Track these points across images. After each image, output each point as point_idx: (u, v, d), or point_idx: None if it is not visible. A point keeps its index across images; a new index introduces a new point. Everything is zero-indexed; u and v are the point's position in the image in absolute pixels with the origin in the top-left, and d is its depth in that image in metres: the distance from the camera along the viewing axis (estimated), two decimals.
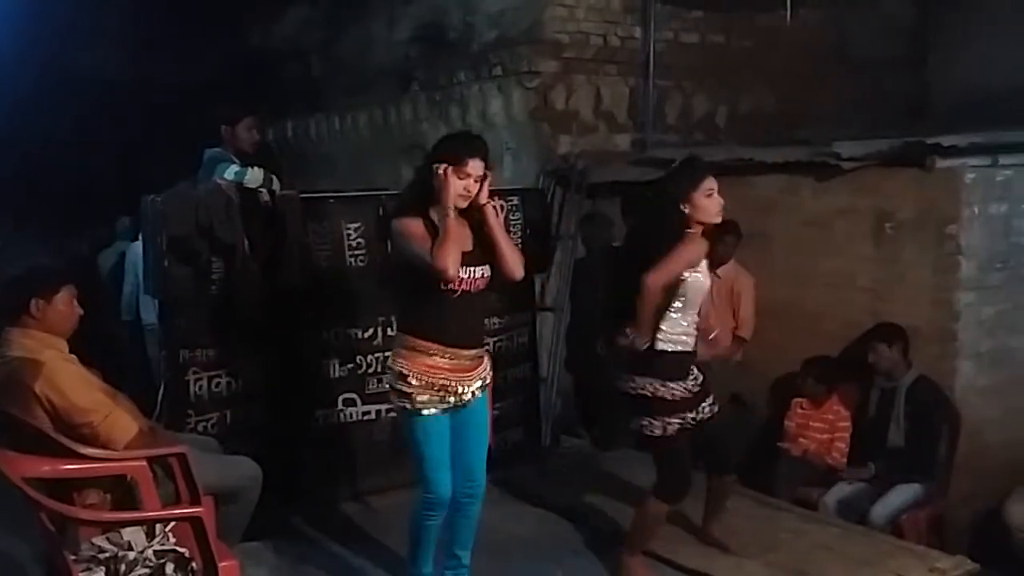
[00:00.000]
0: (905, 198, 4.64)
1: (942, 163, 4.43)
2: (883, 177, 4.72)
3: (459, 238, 3.09)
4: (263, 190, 4.41)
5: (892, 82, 7.07)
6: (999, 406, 4.61)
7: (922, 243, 4.58)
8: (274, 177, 4.50)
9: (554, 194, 5.95)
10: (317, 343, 4.57)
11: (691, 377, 3.55)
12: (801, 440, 4.85)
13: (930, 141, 4.39)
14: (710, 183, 3.48)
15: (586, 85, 6.22)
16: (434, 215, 3.12)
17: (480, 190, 3.14)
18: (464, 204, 3.13)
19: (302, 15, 8.32)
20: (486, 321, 3.37)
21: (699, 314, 3.57)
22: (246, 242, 4.28)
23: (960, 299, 4.47)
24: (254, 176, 4.42)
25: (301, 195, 4.54)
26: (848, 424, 4.74)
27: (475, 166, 3.11)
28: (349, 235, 4.64)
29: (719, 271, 4.89)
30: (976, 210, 4.47)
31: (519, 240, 4.97)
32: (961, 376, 4.50)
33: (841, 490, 4.51)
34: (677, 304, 3.47)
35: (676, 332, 3.48)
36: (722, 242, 5.08)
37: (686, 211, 3.46)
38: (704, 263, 3.53)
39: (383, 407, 4.70)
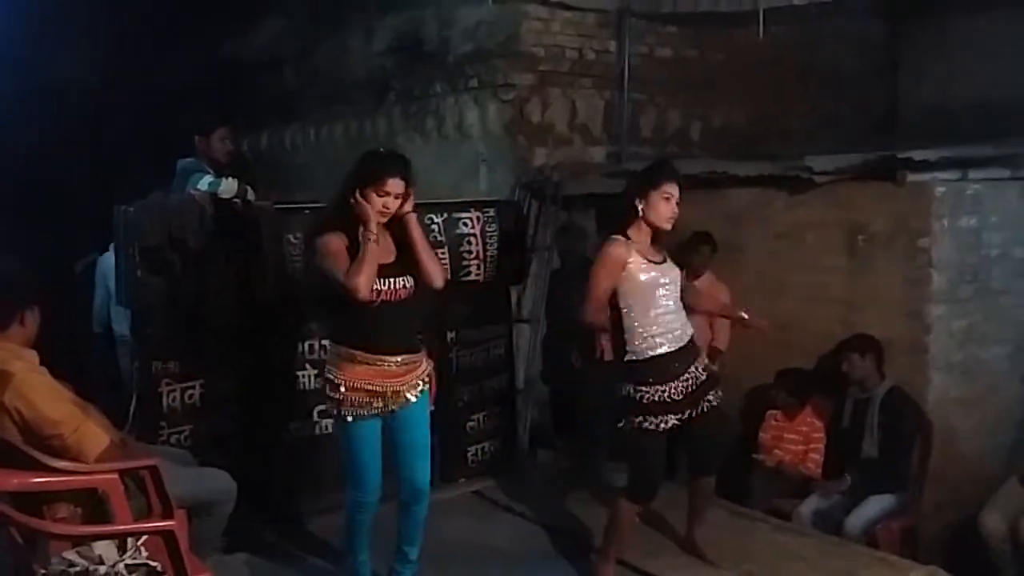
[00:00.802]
0: (877, 211, 4.70)
1: (913, 177, 4.50)
2: (855, 191, 4.77)
3: (376, 256, 3.21)
4: (237, 201, 4.39)
5: (861, 96, 7.19)
6: (971, 416, 4.67)
7: (894, 256, 4.64)
8: (248, 188, 4.48)
9: (530, 206, 5.96)
10: (292, 354, 4.53)
11: (683, 377, 3.48)
12: (776, 451, 4.88)
13: (901, 155, 4.45)
14: (670, 187, 3.49)
15: (561, 98, 6.25)
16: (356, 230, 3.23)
17: (401, 205, 3.28)
18: (384, 219, 3.27)
19: (278, 25, 8.30)
20: (418, 327, 3.45)
21: (671, 304, 3.50)
22: (220, 253, 4.25)
23: (932, 311, 4.53)
24: (228, 187, 4.40)
25: (276, 206, 4.52)
26: (822, 435, 4.78)
27: (394, 184, 3.25)
28: None
29: (696, 283, 4.92)
30: (947, 223, 4.54)
31: (495, 252, 4.98)
32: (933, 387, 4.56)
33: (816, 501, 4.55)
34: (628, 310, 3.46)
35: (642, 339, 3.47)
36: (697, 253, 5.13)
37: (639, 207, 3.48)
38: (645, 254, 3.49)
39: None
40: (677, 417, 3.50)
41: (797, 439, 4.84)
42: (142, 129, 8.12)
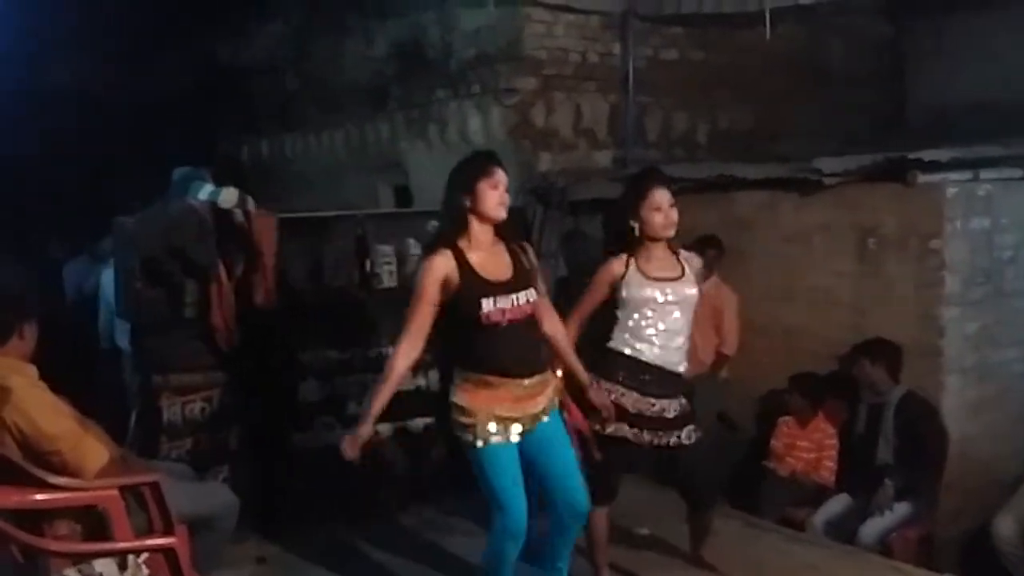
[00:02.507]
0: (887, 213, 4.68)
1: (924, 178, 4.47)
2: (864, 193, 4.75)
3: (489, 265, 3.06)
4: (237, 210, 4.37)
5: (869, 97, 7.16)
6: (985, 421, 4.63)
7: (905, 259, 4.61)
8: (249, 197, 4.47)
9: (535, 212, 5.95)
10: (293, 366, 4.52)
11: (651, 400, 3.42)
12: (788, 459, 4.85)
13: (911, 156, 4.43)
14: (659, 196, 3.42)
15: (566, 102, 6.24)
16: (463, 245, 3.07)
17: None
18: (504, 214, 3.08)
19: (276, 31, 8.30)
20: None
21: (665, 325, 3.44)
22: (220, 264, 4.25)
23: (945, 314, 4.50)
24: (228, 196, 4.39)
25: (277, 215, 4.51)
26: (835, 442, 4.75)
27: (500, 174, 3.10)
28: (327, 256, 4.62)
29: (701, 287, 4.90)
30: (958, 225, 4.51)
31: None
32: (948, 392, 4.52)
33: (829, 509, 4.51)
34: (622, 307, 3.43)
35: (627, 334, 3.43)
36: (704, 256, 5.10)
37: (634, 225, 3.44)
38: (649, 269, 3.44)
39: None
40: (633, 433, 3.42)
41: (810, 446, 4.80)
42: (140, 135, 8.11)
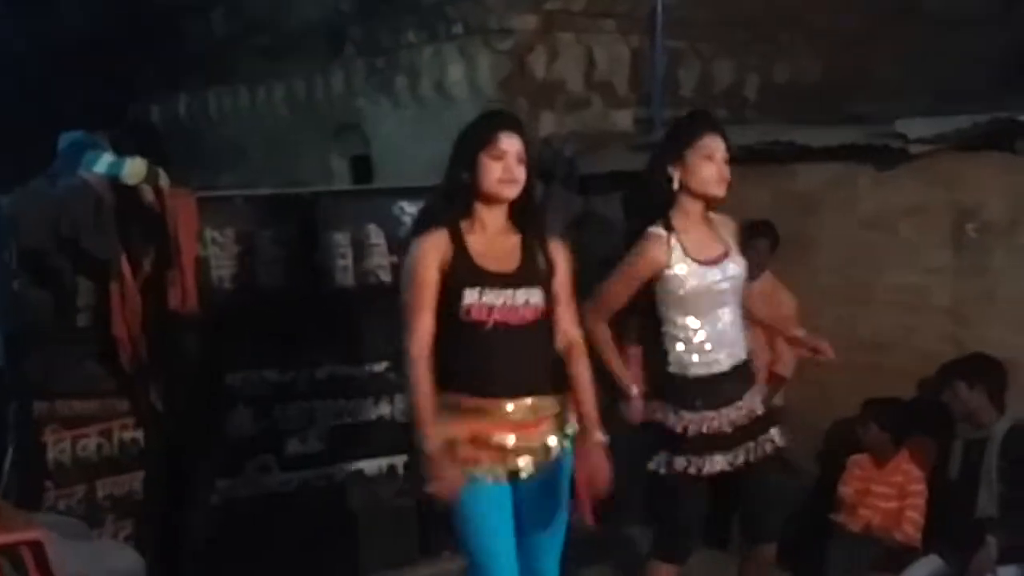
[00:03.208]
0: (992, 192, 4.70)
1: None
2: (963, 165, 4.76)
3: (491, 252, 3.13)
4: (146, 187, 4.39)
5: (973, 43, 7.18)
6: None
7: (1015, 249, 4.63)
8: (160, 170, 4.48)
9: (535, 189, 5.97)
10: (219, 390, 4.54)
11: (737, 404, 3.54)
12: (861, 510, 4.86)
13: (1022, 118, 4.45)
14: (711, 141, 3.49)
15: (575, 46, 6.26)
16: (464, 226, 3.15)
17: (527, 180, 3.18)
18: (512, 193, 3.15)
19: None
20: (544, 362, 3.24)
21: (727, 311, 3.55)
22: (123, 257, 4.26)
23: None
24: (134, 169, 4.40)
25: (197, 193, 4.53)
26: (922, 488, 4.76)
27: (509, 141, 3.14)
28: (262, 246, 4.65)
29: (751, 287, 4.92)
30: None
31: None
32: None
33: (916, 575, 4.53)
34: (667, 317, 3.50)
35: (687, 350, 3.52)
36: (753, 249, 5.11)
37: (675, 177, 3.48)
38: (695, 250, 3.51)
39: (309, 474, 4.69)
40: (726, 458, 3.52)
41: (890, 493, 4.82)
42: (17, 90, 8.11)
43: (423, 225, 3.23)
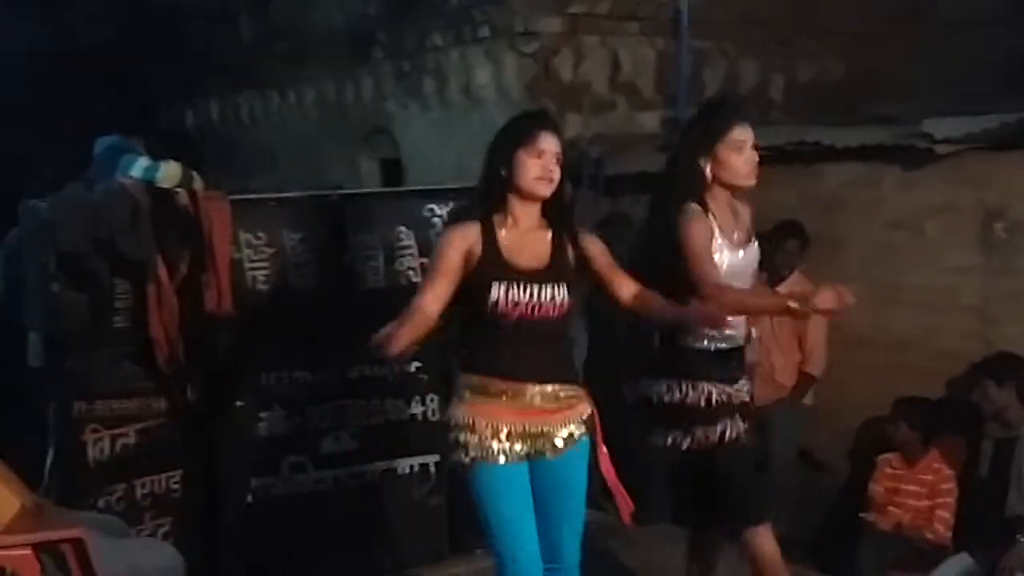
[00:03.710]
0: (1020, 191, 4.67)
1: None
2: (990, 164, 4.74)
3: (522, 248, 3.20)
4: (181, 190, 4.41)
5: (992, 44, 7.13)
6: None
7: None
8: (195, 174, 4.51)
9: (567, 189, 5.97)
10: (253, 390, 4.55)
11: (731, 384, 3.59)
12: (891, 509, 4.84)
13: None
14: (742, 132, 3.52)
15: (600, 49, 6.26)
16: (497, 220, 3.22)
17: (561, 181, 3.24)
18: (547, 191, 3.21)
19: None
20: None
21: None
22: (159, 259, 4.28)
23: None
24: (169, 172, 4.43)
25: (231, 196, 4.55)
26: (953, 487, 4.74)
27: (548, 141, 3.20)
28: (294, 248, 4.65)
29: (779, 287, 4.91)
30: None
31: None
32: None
33: (944, 574, 4.50)
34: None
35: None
36: (782, 250, 5.11)
37: (705, 169, 3.50)
38: (728, 232, 3.55)
39: (342, 473, 4.70)
40: (717, 429, 3.56)
41: (920, 492, 4.80)
42: (53, 96, 8.16)
43: (458, 219, 3.33)
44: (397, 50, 7.02)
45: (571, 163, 5.88)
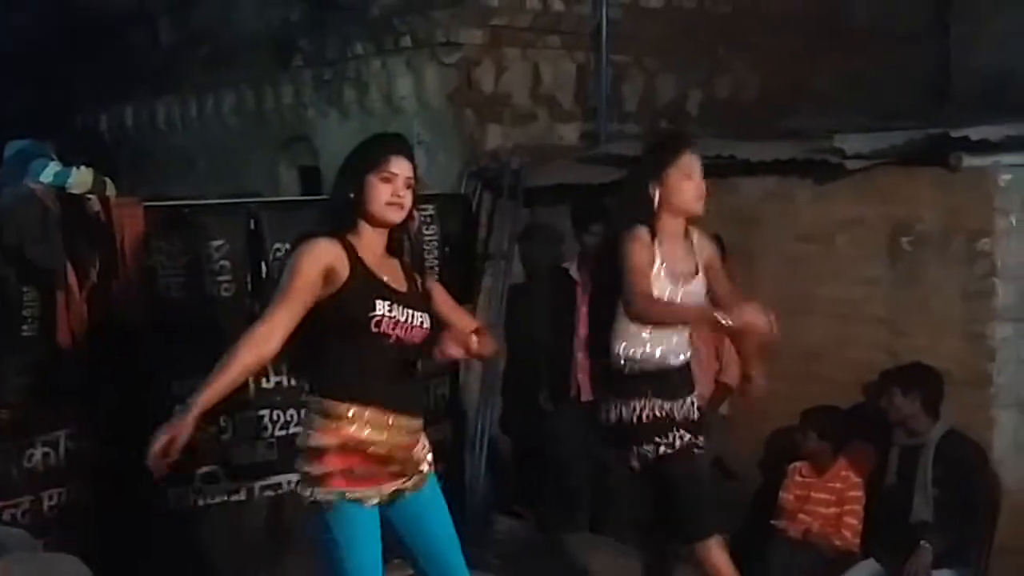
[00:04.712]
0: (926, 206, 4.76)
1: (970, 161, 4.55)
2: (898, 179, 4.83)
3: (382, 271, 3.10)
4: (93, 197, 4.35)
5: (906, 60, 7.29)
6: None
7: (948, 262, 4.69)
8: (107, 180, 4.46)
9: (481, 201, 5.98)
10: (166, 399, 4.46)
11: (670, 400, 3.64)
12: (801, 516, 4.90)
13: (956, 134, 4.50)
14: (691, 161, 3.62)
15: (521, 61, 6.27)
16: (352, 239, 3.09)
17: (412, 206, 3.15)
18: (398, 216, 3.11)
19: None
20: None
21: (680, 332, 3.68)
22: (69, 266, 4.22)
23: (996, 332, 4.58)
24: (81, 178, 4.39)
25: (145, 204, 4.49)
26: (860, 494, 4.81)
27: (400, 165, 3.10)
28: (210, 256, 4.60)
29: None
30: (1014, 220, 4.59)
31: (435, 261, 4.96)
32: (1000, 430, 4.60)
33: None
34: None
35: (642, 344, 3.60)
36: None
37: (655, 194, 3.56)
38: (675, 263, 3.62)
39: (257, 484, 4.64)
40: (664, 444, 3.61)
41: (829, 499, 4.86)
42: None
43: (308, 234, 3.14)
44: (318, 58, 6.97)
45: (491, 174, 5.97)
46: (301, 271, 2.96)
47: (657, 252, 3.58)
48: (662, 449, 3.63)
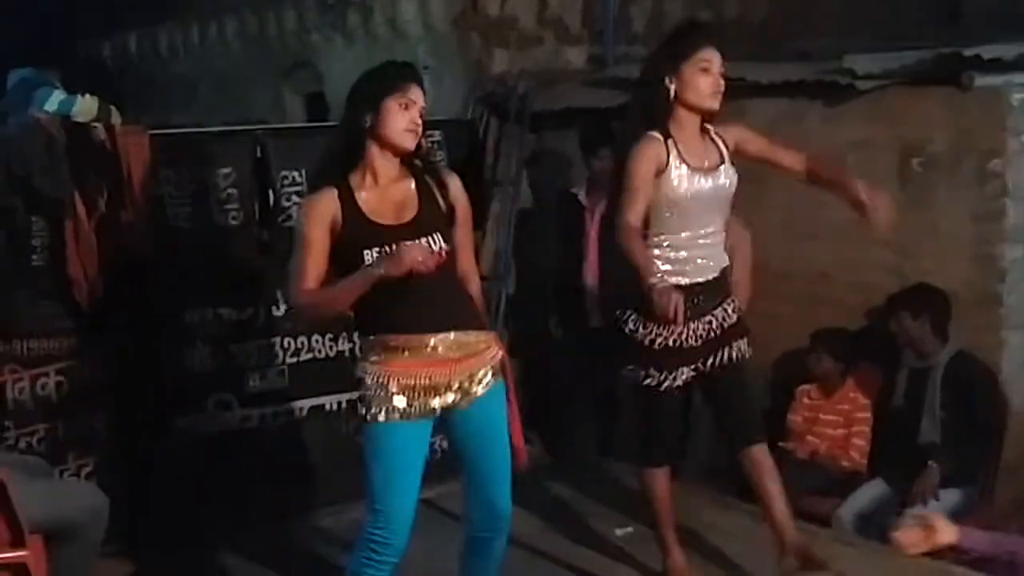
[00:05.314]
0: (937, 127, 4.72)
1: (982, 81, 4.51)
2: (909, 100, 4.78)
3: (385, 206, 3.11)
4: (98, 125, 4.33)
5: None
6: None
7: (958, 184, 4.67)
8: (112, 108, 4.45)
9: (488, 127, 5.92)
10: (177, 328, 4.51)
11: (706, 318, 3.61)
12: (809, 438, 4.95)
13: (967, 53, 4.46)
14: (708, 53, 3.51)
15: None
16: (355, 180, 3.10)
17: (423, 134, 3.15)
18: (413, 143, 3.11)
19: None
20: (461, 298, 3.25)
21: (714, 226, 3.61)
22: (76, 196, 4.21)
23: (1006, 253, 4.58)
24: (85, 107, 4.38)
25: (150, 131, 4.47)
26: (868, 415, 4.85)
27: (418, 93, 3.11)
28: (217, 184, 4.58)
29: None
30: None
31: None
32: (1009, 351, 4.61)
33: (860, 499, 4.62)
34: (655, 226, 3.52)
35: (667, 262, 3.54)
36: None
37: (671, 88, 3.49)
38: (691, 156, 3.53)
39: (269, 410, 4.68)
40: (692, 368, 3.63)
41: (837, 421, 4.90)
42: None
43: (319, 179, 3.20)
44: None
45: (498, 99, 5.92)
46: (305, 235, 3.09)
47: (674, 151, 3.50)
48: (709, 362, 3.65)
